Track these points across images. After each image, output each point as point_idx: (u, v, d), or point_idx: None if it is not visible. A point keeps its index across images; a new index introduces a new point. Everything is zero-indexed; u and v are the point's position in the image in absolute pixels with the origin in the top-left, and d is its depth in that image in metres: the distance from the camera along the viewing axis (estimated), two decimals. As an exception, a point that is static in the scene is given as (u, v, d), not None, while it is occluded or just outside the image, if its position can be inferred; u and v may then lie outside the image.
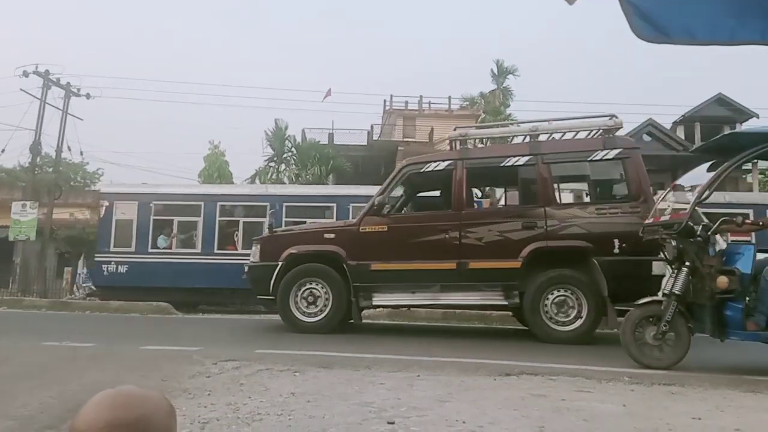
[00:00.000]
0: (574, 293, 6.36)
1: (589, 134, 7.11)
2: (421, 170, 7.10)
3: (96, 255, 12.74)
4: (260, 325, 8.17)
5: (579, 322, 6.31)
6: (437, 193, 8.10)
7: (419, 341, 6.73)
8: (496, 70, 31.93)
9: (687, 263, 4.79)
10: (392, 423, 3.02)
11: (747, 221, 5.10)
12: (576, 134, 7.15)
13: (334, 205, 12.36)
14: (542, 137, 7.09)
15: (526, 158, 6.77)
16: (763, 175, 24.09)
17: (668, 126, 25.50)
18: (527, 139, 7.15)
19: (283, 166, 26.03)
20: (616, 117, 6.88)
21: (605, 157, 6.63)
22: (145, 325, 8.52)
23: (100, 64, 67.95)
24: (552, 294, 6.36)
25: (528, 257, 6.39)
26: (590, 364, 4.90)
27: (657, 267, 5.94)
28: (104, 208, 12.60)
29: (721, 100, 24.55)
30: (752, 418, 3.33)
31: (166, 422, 0.95)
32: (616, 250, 6.25)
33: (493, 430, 2.87)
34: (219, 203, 12.59)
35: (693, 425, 3.07)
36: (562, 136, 7.18)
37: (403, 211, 7.70)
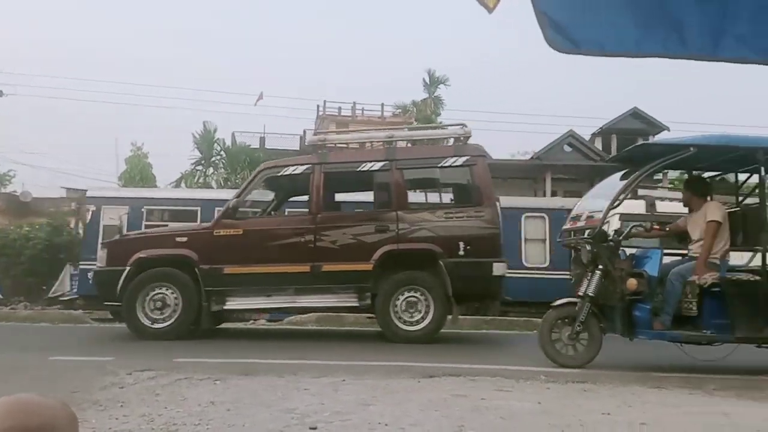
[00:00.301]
0: (423, 294, 6.59)
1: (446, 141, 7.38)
2: (279, 174, 7.15)
3: (81, 262, 11.90)
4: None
5: (425, 322, 6.57)
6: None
7: (345, 346, 6.70)
8: (428, 80, 32.60)
9: (600, 266, 5.04)
10: (314, 429, 2.99)
11: (655, 227, 5.45)
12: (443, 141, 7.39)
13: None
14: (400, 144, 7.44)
15: (381, 164, 6.99)
16: (672, 185, 25.81)
17: (587, 137, 26.84)
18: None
19: (211, 170, 25.36)
20: (466, 126, 7.25)
21: (454, 164, 6.92)
22: (56, 335, 8.01)
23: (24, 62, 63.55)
24: (402, 295, 6.57)
25: (380, 260, 6.54)
26: (509, 364, 5.06)
27: (497, 268, 6.49)
28: (90, 212, 11.83)
29: (635, 114, 26.09)
30: (657, 412, 3.54)
31: (68, 431, 0.90)
32: (461, 252, 6.52)
33: (414, 431, 2.89)
34: (217, 208, 11.98)
35: (603, 421, 3.22)
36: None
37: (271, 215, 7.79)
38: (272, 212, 7.97)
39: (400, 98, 37.11)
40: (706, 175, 5.82)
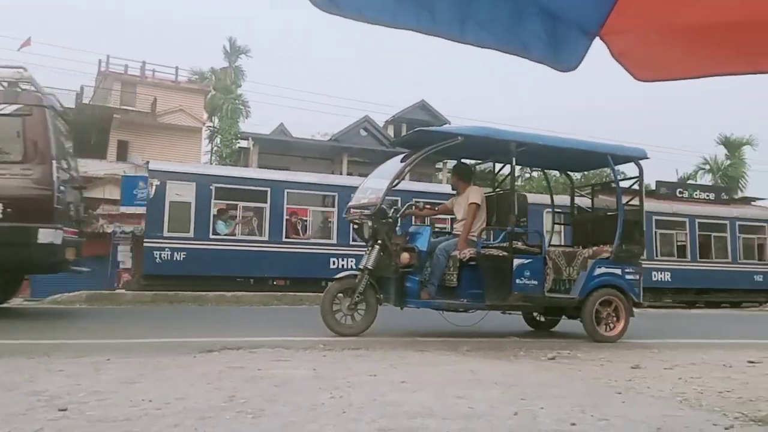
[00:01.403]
0: None
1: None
2: None
3: (145, 240, 11.21)
4: None
5: None
6: None
7: (117, 324, 6.19)
8: (228, 48, 31.21)
9: (379, 241, 5.39)
10: (64, 410, 2.69)
11: (427, 207, 5.99)
12: None
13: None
14: None
15: None
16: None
17: (382, 124, 28.33)
18: None
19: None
20: (25, 70, 6.52)
21: (2, 112, 6.10)
22: None
23: None
24: None
25: None
26: (292, 335, 5.17)
27: (45, 235, 5.86)
28: (154, 187, 11.12)
29: (423, 106, 28.26)
30: (417, 371, 3.91)
31: None
32: (0, 216, 5.82)
33: (180, 405, 2.78)
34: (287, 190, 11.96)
35: (369, 381, 3.45)
36: None
37: None
38: None
39: (198, 64, 34.95)
40: (471, 162, 6.59)
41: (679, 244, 16.85)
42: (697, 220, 17.08)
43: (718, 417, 2.66)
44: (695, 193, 20.84)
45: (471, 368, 4.02)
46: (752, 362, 4.61)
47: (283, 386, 3.27)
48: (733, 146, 33.38)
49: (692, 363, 4.53)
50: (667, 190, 20.24)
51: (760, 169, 33.07)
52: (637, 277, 5.96)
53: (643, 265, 6.24)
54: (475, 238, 5.66)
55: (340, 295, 5.39)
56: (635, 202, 6.21)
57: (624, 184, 6.51)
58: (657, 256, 16.20)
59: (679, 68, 1.64)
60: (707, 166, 33.75)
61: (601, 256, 5.91)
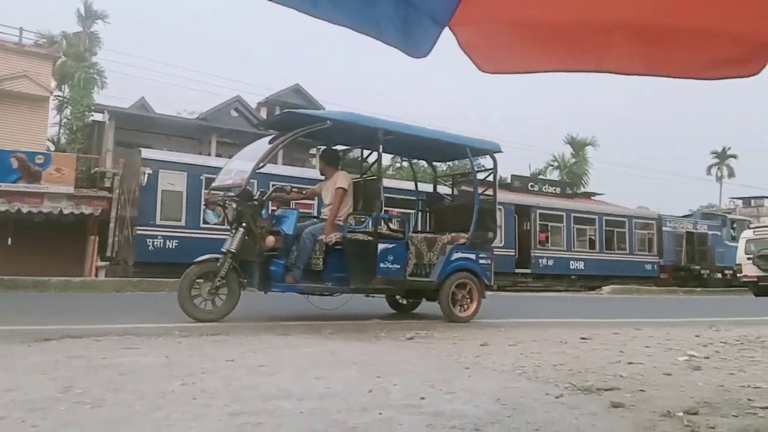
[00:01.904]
0: None
1: None
2: None
3: (138, 228, 11.58)
4: None
5: None
6: None
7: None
8: (83, 11, 28.38)
9: (243, 224, 5.24)
10: None
11: (294, 190, 5.92)
12: None
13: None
14: None
15: None
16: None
17: (254, 105, 27.50)
18: None
19: None
20: None
21: None
22: None
23: None
24: None
25: None
26: (145, 322, 4.87)
27: None
28: (146, 175, 11.53)
29: (297, 90, 27.85)
30: (277, 354, 3.87)
31: None
32: None
33: (8, 396, 2.50)
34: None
35: (225, 366, 3.35)
36: None
37: None
38: None
39: (46, 27, 31.42)
40: (340, 148, 6.63)
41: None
42: (573, 215, 19.55)
43: (551, 387, 2.94)
44: (544, 187, 22.84)
45: (331, 350, 4.06)
46: (584, 338, 5.16)
47: (129, 374, 3.07)
48: (577, 146, 36.99)
49: (534, 340, 4.96)
50: (520, 184, 21.95)
51: (600, 168, 37.05)
52: (489, 261, 6.41)
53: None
54: (341, 223, 5.71)
55: (200, 279, 5.17)
56: (490, 192, 6.65)
57: (483, 176, 6.94)
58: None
59: (520, 62, 1.77)
60: (555, 163, 37.09)
61: (458, 242, 6.25)
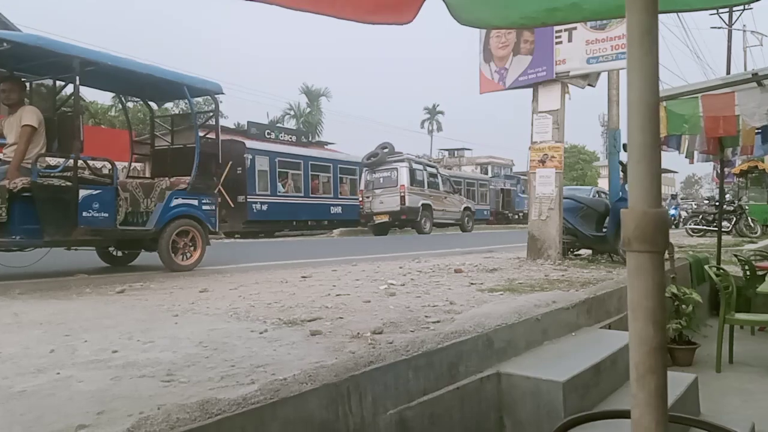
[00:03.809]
0: None
1: None
2: None
3: (248, 196, 16.63)
4: None
5: None
6: None
7: None
8: None
9: None
10: None
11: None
12: None
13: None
14: None
15: None
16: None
17: None
18: None
19: None
20: None
21: None
22: None
23: None
24: None
25: None
26: None
27: None
28: (248, 160, 16.71)
29: (-19, 6, 22.66)
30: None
31: None
32: None
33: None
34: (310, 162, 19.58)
35: None
36: None
37: None
38: None
39: None
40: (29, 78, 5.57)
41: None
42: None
43: (258, 325, 3.00)
44: (281, 135, 23.13)
45: (15, 311, 3.51)
46: (304, 277, 5.41)
47: None
48: (312, 96, 38.18)
49: (256, 282, 5.03)
50: (257, 131, 21.83)
51: (332, 118, 39.04)
52: (213, 207, 6.21)
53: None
54: (29, 166, 4.85)
55: None
56: (212, 135, 6.38)
57: (204, 118, 6.59)
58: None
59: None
60: (292, 112, 37.79)
61: (178, 187, 5.90)
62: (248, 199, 16.67)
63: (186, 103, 6.45)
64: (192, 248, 6.05)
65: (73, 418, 1.61)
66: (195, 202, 5.99)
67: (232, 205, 16.38)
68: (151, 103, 7.03)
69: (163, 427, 1.54)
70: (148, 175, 6.90)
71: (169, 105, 10.49)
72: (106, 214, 5.16)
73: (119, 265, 6.39)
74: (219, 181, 6.38)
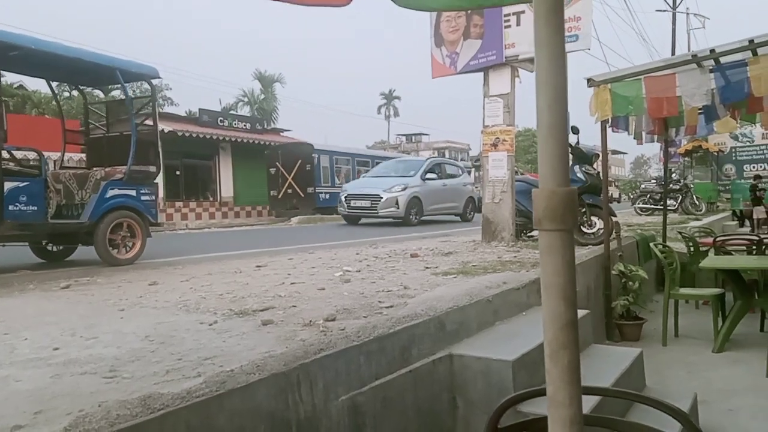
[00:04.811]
0: None
1: None
2: None
3: (317, 188, 19.97)
4: None
5: None
6: None
7: None
8: None
9: None
10: None
11: None
12: None
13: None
14: None
15: None
16: None
17: None
18: None
19: None
20: None
21: None
22: None
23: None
24: None
25: None
26: None
27: None
28: (316, 158, 20.16)
29: None
30: None
31: None
32: None
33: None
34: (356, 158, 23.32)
35: None
36: None
37: None
38: None
39: None
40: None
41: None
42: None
43: (208, 317, 2.95)
44: (234, 122, 22.63)
45: None
46: (259, 266, 5.34)
47: None
48: (266, 81, 37.49)
49: (209, 273, 4.93)
50: (209, 118, 21.30)
51: (288, 105, 38.49)
52: (153, 197, 5.99)
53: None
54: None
55: None
56: (150, 122, 6.14)
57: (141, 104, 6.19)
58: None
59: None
60: (246, 99, 37.05)
61: (114, 177, 5.67)
62: (316, 190, 20.38)
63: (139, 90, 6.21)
64: (132, 241, 5.84)
65: (8, 419, 1.55)
66: (133, 193, 5.77)
67: (303, 195, 20.02)
68: (97, 91, 6.75)
69: (103, 424, 1.50)
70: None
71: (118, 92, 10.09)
72: (35, 207, 4.92)
73: (55, 261, 6.14)
74: (158, 170, 6.13)
